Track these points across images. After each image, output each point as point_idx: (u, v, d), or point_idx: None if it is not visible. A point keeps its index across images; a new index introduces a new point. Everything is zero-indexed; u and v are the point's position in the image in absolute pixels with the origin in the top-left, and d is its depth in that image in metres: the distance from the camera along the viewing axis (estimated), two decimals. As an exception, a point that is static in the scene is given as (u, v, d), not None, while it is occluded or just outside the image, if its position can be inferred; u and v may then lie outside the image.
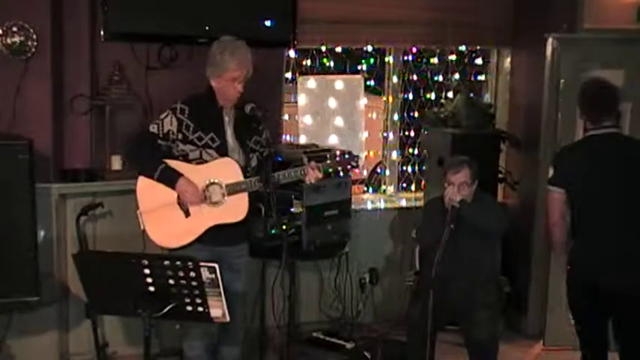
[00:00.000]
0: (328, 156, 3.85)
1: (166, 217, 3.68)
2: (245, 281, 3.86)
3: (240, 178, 3.66)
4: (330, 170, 3.77)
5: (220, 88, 3.67)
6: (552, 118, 5.16)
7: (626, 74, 5.00)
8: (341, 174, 3.74)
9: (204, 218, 3.67)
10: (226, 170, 3.66)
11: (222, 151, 3.69)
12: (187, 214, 3.68)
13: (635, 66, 5.01)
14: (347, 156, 3.77)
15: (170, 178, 3.63)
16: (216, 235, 3.67)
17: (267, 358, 4.62)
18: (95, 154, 4.57)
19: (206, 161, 3.68)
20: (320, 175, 3.74)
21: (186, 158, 3.70)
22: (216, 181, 3.65)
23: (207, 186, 3.66)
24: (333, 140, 5.38)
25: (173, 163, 3.68)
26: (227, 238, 3.72)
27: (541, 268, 5.27)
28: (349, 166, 3.78)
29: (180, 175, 3.63)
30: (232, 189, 3.65)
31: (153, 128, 3.69)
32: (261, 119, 3.72)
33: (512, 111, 5.76)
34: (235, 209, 3.67)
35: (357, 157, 3.78)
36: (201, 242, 3.67)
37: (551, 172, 3.77)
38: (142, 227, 3.70)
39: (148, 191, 3.69)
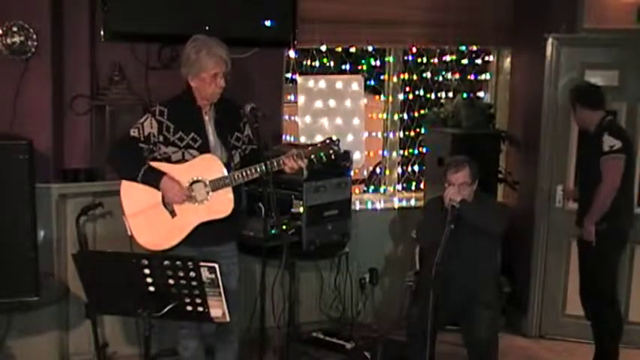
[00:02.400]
0: (309, 143, 3.82)
1: (152, 219, 3.67)
2: (237, 281, 3.85)
3: (223, 173, 3.65)
4: (313, 157, 3.71)
5: (199, 87, 3.66)
6: (552, 118, 5.17)
7: (622, 74, 5.02)
8: (324, 159, 3.70)
9: (191, 217, 3.66)
10: (208, 166, 3.65)
11: (205, 150, 3.68)
12: (173, 214, 3.68)
13: (632, 66, 5.02)
14: (328, 141, 3.75)
15: (154, 178, 3.62)
16: (202, 234, 3.66)
17: (267, 358, 4.62)
18: (95, 154, 4.57)
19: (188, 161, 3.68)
20: (302, 164, 3.70)
21: (168, 160, 3.69)
22: (199, 178, 3.65)
23: (191, 184, 3.65)
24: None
25: (155, 165, 3.67)
26: (214, 237, 3.71)
27: (541, 268, 5.27)
28: (331, 150, 3.71)
29: (164, 174, 3.62)
30: (216, 185, 3.64)
31: (134, 132, 3.68)
32: (260, 120, 3.71)
33: (512, 111, 5.77)
34: (221, 205, 3.66)
35: (338, 140, 3.75)
36: (187, 244, 3.66)
37: (618, 143, 4.41)
38: (128, 233, 3.69)
39: (132, 194, 3.68)
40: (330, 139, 3.72)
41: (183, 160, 3.67)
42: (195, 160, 3.66)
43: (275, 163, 3.64)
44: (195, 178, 3.65)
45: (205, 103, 3.72)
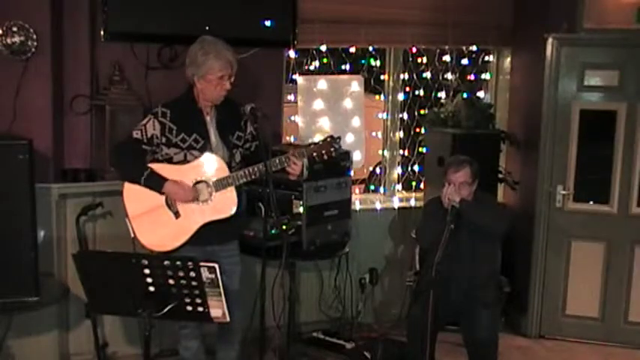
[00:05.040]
0: (309, 142, 3.84)
1: (156, 220, 3.68)
2: (239, 281, 3.86)
3: (226, 172, 3.66)
4: (315, 154, 3.72)
5: (204, 88, 3.67)
6: (552, 118, 5.17)
7: (622, 74, 5.02)
8: (325, 157, 3.72)
9: (195, 217, 3.67)
10: (211, 167, 3.67)
11: (206, 151, 3.69)
12: (177, 215, 3.68)
13: (632, 66, 5.02)
14: (329, 139, 3.75)
15: (156, 183, 3.63)
16: (205, 234, 3.67)
17: (267, 358, 4.62)
18: (95, 154, 4.57)
19: (190, 162, 3.68)
20: (301, 164, 3.71)
21: (169, 162, 3.69)
22: (202, 179, 3.66)
23: (194, 185, 3.66)
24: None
25: (158, 167, 3.68)
26: (216, 236, 3.72)
27: (541, 268, 5.27)
28: (332, 148, 3.73)
29: (166, 179, 3.63)
30: (219, 185, 3.65)
31: (136, 134, 3.68)
32: (260, 120, 3.71)
33: (512, 111, 5.77)
34: (225, 204, 3.67)
35: (339, 138, 3.76)
36: (190, 243, 3.66)
37: None
38: (131, 234, 3.69)
39: (135, 196, 3.68)
40: (331, 137, 3.73)
41: (184, 161, 3.68)
42: (197, 160, 3.67)
43: (277, 161, 3.65)
44: (198, 179, 3.66)
45: (207, 104, 3.73)
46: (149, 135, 3.67)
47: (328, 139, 3.72)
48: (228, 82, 3.67)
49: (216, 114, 3.76)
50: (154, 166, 3.68)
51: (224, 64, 3.64)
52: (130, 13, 4.39)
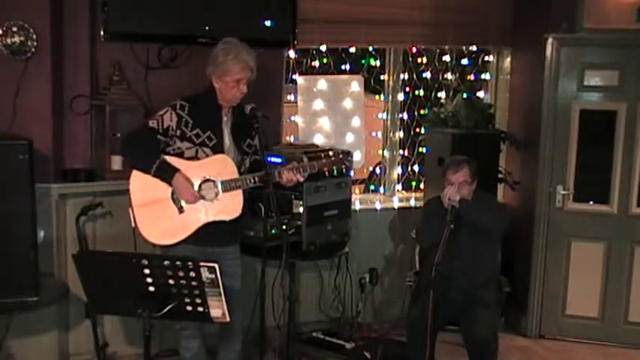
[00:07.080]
0: (322, 155, 3.86)
1: (159, 213, 3.67)
2: (239, 282, 3.85)
3: (236, 175, 3.66)
4: (325, 169, 3.76)
5: (221, 88, 3.69)
6: (552, 118, 5.17)
7: (622, 74, 5.02)
8: (335, 172, 3.74)
9: (199, 215, 3.66)
10: (221, 167, 3.67)
11: (218, 150, 3.70)
12: (181, 210, 3.67)
13: (632, 66, 5.02)
14: (341, 155, 3.77)
15: (167, 173, 3.62)
16: (206, 235, 3.66)
17: (267, 358, 4.62)
18: (95, 154, 4.57)
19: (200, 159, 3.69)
20: (300, 179, 3.74)
21: (180, 156, 3.69)
22: (211, 178, 3.66)
23: (202, 183, 3.66)
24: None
25: (169, 159, 3.67)
26: (217, 238, 3.71)
27: (541, 268, 5.27)
28: (343, 165, 3.75)
29: (177, 170, 3.62)
30: (227, 186, 3.65)
31: (152, 124, 3.68)
32: (260, 120, 3.71)
33: (512, 111, 5.77)
34: (230, 206, 3.67)
35: (348, 153, 3.78)
36: (190, 243, 3.66)
37: None
38: (132, 224, 3.68)
39: (141, 186, 3.67)
40: (342, 152, 3.76)
41: (195, 158, 3.68)
42: (208, 159, 3.67)
43: (276, 173, 3.69)
44: (206, 177, 3.66)
45: (225, 105, 3.73)
46: (165, 126, 3.66)
47: (341, 156, 3.74)
48: (245, 87, 3.68)
49: (233, 117, 3.77)
50: (166, 158, 3.67)
51: (242, 67, 3.64)
52: (130, 13, 4.39)
